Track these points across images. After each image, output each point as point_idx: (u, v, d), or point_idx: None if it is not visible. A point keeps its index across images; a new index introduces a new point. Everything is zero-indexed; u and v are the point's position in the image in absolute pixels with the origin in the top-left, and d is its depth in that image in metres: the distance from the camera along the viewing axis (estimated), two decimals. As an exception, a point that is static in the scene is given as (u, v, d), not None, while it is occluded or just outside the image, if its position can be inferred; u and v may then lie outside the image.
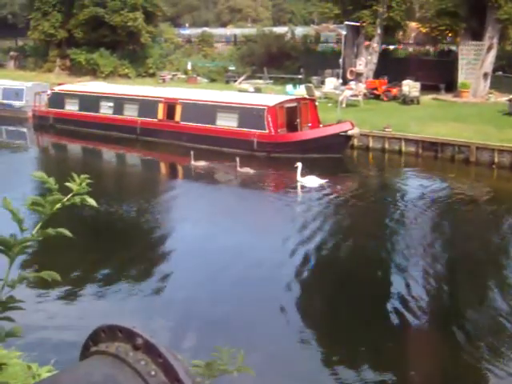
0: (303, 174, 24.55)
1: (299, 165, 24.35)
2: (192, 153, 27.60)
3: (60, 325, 12.78)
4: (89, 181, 1.89)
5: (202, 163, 27.81)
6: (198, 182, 26.82)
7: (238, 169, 26.48)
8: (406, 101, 38.65)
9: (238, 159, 26.54)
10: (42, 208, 1.78)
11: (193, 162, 27.72)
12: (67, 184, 1.85)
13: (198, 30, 69.38)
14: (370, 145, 30.60)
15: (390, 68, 42.54)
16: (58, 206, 1.79)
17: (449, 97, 40.63)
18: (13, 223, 1.77)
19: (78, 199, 1.83)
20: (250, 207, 23.41)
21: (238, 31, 69.92)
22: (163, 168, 32.20)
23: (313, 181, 24.42)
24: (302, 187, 24.44)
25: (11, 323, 1.66)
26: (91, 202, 1.87)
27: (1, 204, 1.79)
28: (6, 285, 1.65)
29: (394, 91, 40.16)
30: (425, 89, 39.86)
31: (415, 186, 25.55)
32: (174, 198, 24.07)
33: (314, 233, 19.11)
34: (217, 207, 22.75)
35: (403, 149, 29.69)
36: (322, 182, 24.43)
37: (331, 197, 23.61)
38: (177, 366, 1.31)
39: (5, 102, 42.68)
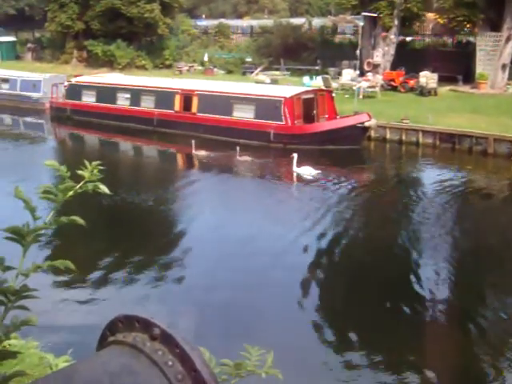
0: (300, 165, 24.97)
1: (295, 155, 24.81)
2: (193, 142, 28.14)
3: (76, 315, 12.84)
4: (101, 167, 1.87)
5: (202, 152, 28.26)
6: (203, 172, 27.16)
7: (238, 157, 27.12)
8: (424, 92, 38.49)
9: (238, 148, 27.24)
10: (54, 196, 1.77)
11: (194, 152, 28.20)
12: (79, 172, 1.84)
13: (215, 22, 69.28)
14: (387, 136, 30.49)
15: (408, 59, 42.31)
16: (71, 193, 1.78)
17: (466, 88, 40.41)
18: (26, 212, 1.76)
19: (90, 186, 1.82)
20: (250, 195, 24.08)
21: (254, 22, 69.79)
22: (177, 159, 32.23)
23: (307, 171, 24.74)
24: (298, 177, 24.96)
25: (26, 312, 1.66)
26: (104, 189, 1.85)
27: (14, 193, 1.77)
28: (20, 273, 1.65)
29: (412, 82, 39.99)
30: (442, 80, 39.66)
31: (432, 177, 25.49)
32: (184, 187, 24.32)
33: (320, 222, 19.19)
34: (223, 195, 23.60)
35: (420, 140, 29.59)
36: (316, 172, 24.66)
37: (337, 188, 23.65)
38: (194, 356, 1.30)
39: (23, 93, 42.96)
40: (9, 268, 1.65)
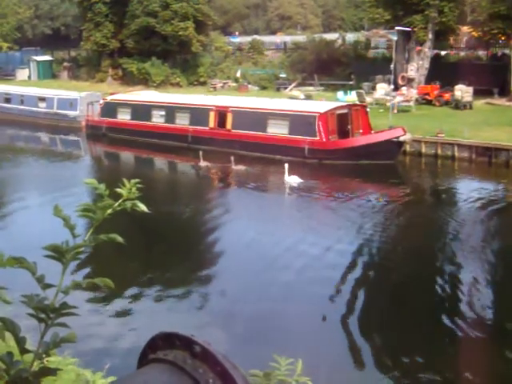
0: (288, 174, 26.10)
1: (286, 166, 25.83)
2: (200, 153, 29.95)
3: (113, 331, 12.88)
4: (139, 185, 1.87)
5: (206, 163, 30.07)
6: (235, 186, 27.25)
7: (233, 167, 28.52)
8: (459, 106, 38.21)
9: (232, 158, 28.59)
10: (93, 214, 1.78)
11: (201, 163, 30.05)
12: (117, 190, 1.85)
13: (248, 38, 69.65)
14: (423, 151, 30.26)
15: (442, 73, 42.04)
16: (109, 211, 1.78)
17: (502, 101, 40.01)
18: (65, 230, 1.77)
19: (128, 204, 1.82)
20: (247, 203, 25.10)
21: (288, 38, 70.02)
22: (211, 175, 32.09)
23: (294, 179, 25.98)
24: (288, 185, 25.97)
25: (66, 329, 1.66)
26: (142, 207, 1.85)
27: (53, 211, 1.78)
28: (60, 291, 1.65)
29: (447, 96, 39.72)
30: (478, 93, 39.27)
31: (468, 191, 25.21)
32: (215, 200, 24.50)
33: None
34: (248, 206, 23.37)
35: (456, 154, 29.30)
36: (300, 181, 25.93)
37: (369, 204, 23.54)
38: (235, 374, 1.29)
39: (60, 111, 43.40)
40: (49, 286, 1.66)
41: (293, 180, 25.90)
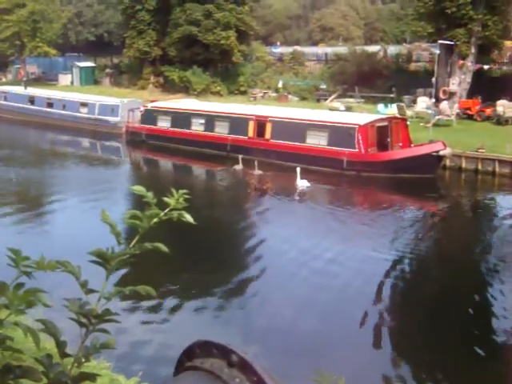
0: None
1: (298, 170, 27.05)
2: (240, 157, 30.77)
3: (149, 337, 12.92)
4: (186, 196, 1.89)
5: (242, 167, 30.76)
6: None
7: (255, 172, 29.58)
8: (501, 121, 37.79)
9: (256, 163, 29.53)
10: (139, 222, 1.80)
11: (237, 166, 30.63)
12: (165, 199, 1.87)
13: (290, 49, 69.62)
14: (463, 165, 29.95)
15: (484, 88, 41.58)
16: (155, 220, 1.80)
17: (545, 118, 39.45)
18: (109, 236, 1.79)
19: (175, 214, 1.84)
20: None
21: (329, 50, 69.83)
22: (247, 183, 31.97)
23: (304, 183, 27.10)
24: (299, 188, 27.03)
25: (105, 335, 1.68)
26: (188, 218, 1.86)
27: (99, 217, 1.81)
28: (103, 297, 1.67)
29: (488, 111, 39.30)
30: (520, 109, 38.83)
31: (508, 208, 24.92)
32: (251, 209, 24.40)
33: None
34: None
35: (497, 170, 28.97)
36: (308, 184, 27.06)
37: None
38: None
39: (101, 117, 43.78)
40: (91, 291, 1.68)
41: (303, 184, 26.85)
